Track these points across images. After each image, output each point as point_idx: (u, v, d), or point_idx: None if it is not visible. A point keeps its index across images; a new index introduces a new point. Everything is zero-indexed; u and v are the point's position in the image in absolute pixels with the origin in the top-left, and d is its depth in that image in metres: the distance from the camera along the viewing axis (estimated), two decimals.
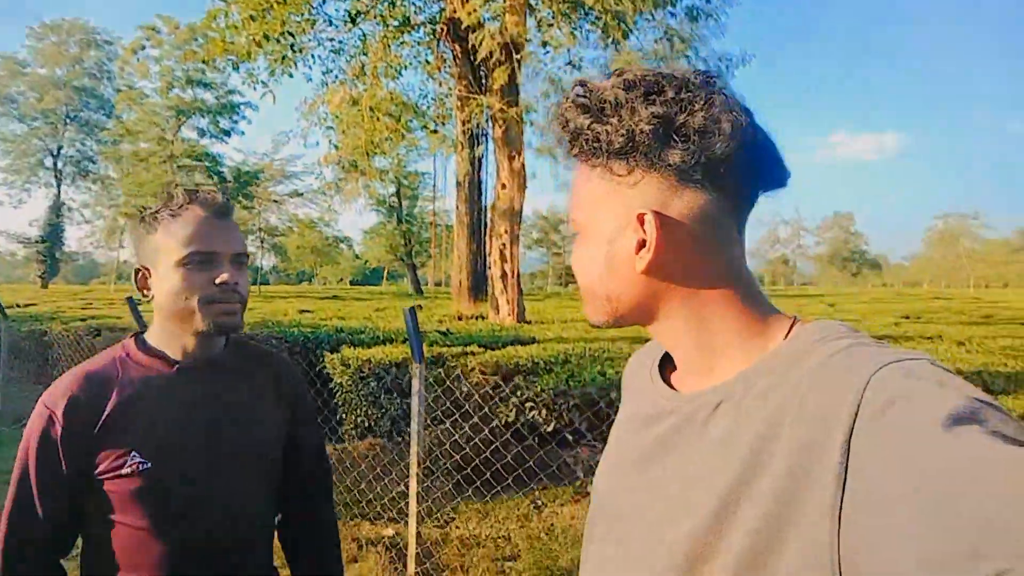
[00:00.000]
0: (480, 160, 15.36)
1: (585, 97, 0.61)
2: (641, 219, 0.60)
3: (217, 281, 1.07)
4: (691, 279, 0.62)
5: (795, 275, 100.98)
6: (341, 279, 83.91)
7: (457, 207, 16.19)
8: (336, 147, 13.50)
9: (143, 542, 1.06)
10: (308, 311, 12.77)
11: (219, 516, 1.11)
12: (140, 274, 1.13)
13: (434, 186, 17.68)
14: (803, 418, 0.50)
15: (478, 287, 16.05)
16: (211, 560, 1.10)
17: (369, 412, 4.66)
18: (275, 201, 40.31)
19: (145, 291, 1.13)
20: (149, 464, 1.05)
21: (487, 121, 13.49)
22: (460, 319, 12.29)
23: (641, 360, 0.80)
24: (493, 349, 5.63)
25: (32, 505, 1.04)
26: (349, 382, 4.57)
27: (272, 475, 1.21)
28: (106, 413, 1.05)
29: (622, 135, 0.58)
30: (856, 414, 0.46)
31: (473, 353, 5.53)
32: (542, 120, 15.84)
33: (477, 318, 12.89)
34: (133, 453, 1.04)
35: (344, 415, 4.65)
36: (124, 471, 1.04)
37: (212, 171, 36.28)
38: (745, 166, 0.59)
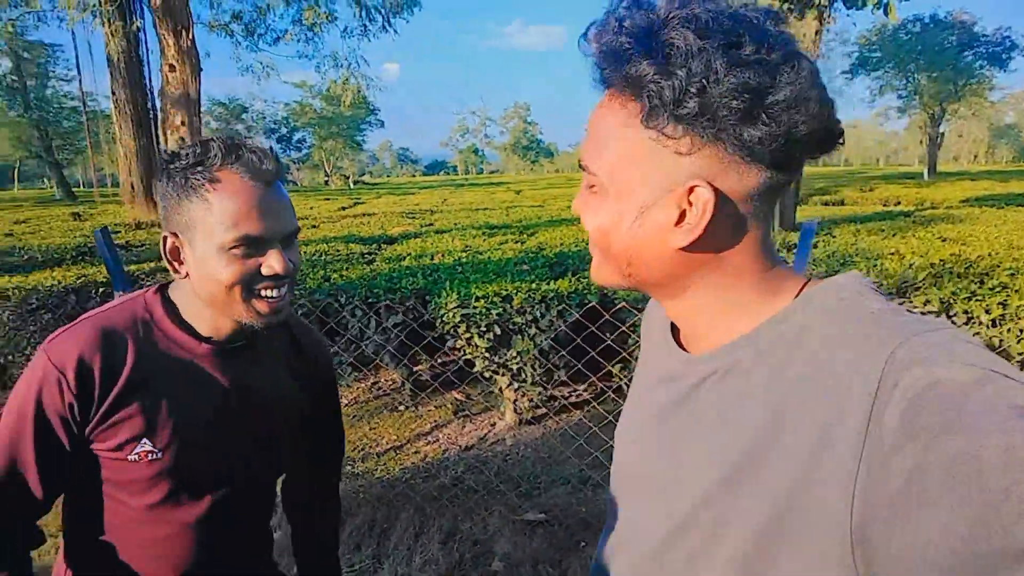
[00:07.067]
0: (137, 35, 12.75)
1: (644, 29, 0.49)
2: (691, 191, 0.52)
3: (266, 272, 0.91)
4: (724, 257, 0.56)
5: (484, 164, 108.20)
6: None
7: (113, 92, 13.33)
8: None
9: (138, 523, 0.96)
10: None
11: (225, 506, 1.02)
12: (170, 244, 0.93)
13: (78, 65, 14.22)
14: (822, 396, 0.48)
15: (154, 188, 13.83)
16: (208, 548, 1.02)
17: None
18: None
19: (177, 265, 0.94)
20: (160, 454, 0.92)
21: None
22: (139, 227, 10.64)
23: (656, 311, 0.74)
24: None
25: (22, 471, 0.89)
26: (12, 318, 3.74)
27: (282, 457, 1.13)
28: (120, 385, 0.90)
29: (695, 100, 0.48)
30: (876, 394, 0.44)
31: (167, 269, 4.93)
32: None
33: (159, 226, 11.27)
34: (144, 440, 0.91)
35: (12, 356, 3.84)
36: (131, 456, 0.91)
37: None
38: (814, 143, 0.52)
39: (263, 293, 0.92)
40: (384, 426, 3.79)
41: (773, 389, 0.52)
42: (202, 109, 12.81)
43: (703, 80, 0.48)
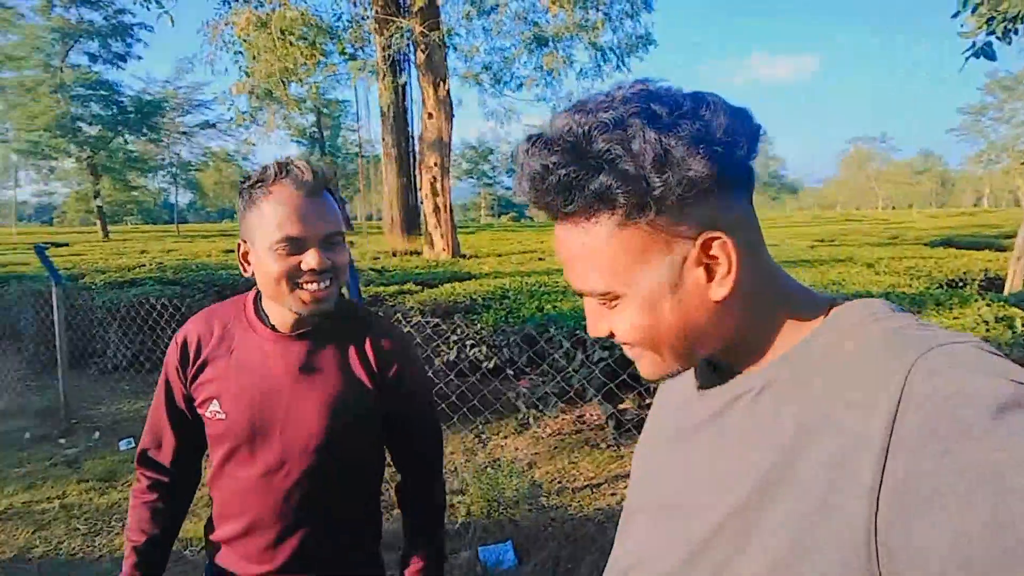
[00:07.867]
0: (404, 88, 14.72)
1: (577, 155, 0.53)
2: (708, 245, 0.55)
3: (304, 267, 1.06)
4: (755, 286, 0.58)
5: None
6: None
7: (383, 138, 15.57)
8: (247, 74, 12.62)
9: (220, 475, 1.18)
10: (233, 251, 12.20)
11: (283, 476, 1.15)
12: (242, 250, 1.13)
13: (357, 116, 17.11)
14: (846, 407, 0.49)
15: (411, 221, 15.75)
16: (271, 513, 1.16)
17: None
18: (184, 133, 37.68)
19: (246, 266, 1.13)
20: (224, 415, 1.14)
21: (408, 46, 12.91)
22: (395, 255, 12.11)
23: None
24: (431, 287, 5.60)
25: (161, 418, 1.23)
26: None
27: (341, 441, 1.17)
28: (204, 355, 1.17)
29: (658, 177, 0.52)
30: (899, 402, 0.45)
31: (410, 292, 5.49)
32: (466, 44, 15.30)
33: (412, 253, 12.73)
34: (215, 401, 1.15)
35: None
36: (207, 413, 1.16)
37: (110, 101, 33.39)
38: (749, 150, 0.56)
39: (305, 286, 1.07)
40: (583, 462, 3.73)
41: (802, 404, 0.54)
42: (453, 152, 14.28)
43: (654, 158, 0.51)
